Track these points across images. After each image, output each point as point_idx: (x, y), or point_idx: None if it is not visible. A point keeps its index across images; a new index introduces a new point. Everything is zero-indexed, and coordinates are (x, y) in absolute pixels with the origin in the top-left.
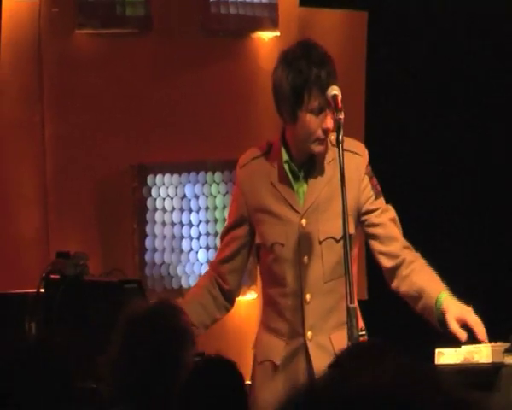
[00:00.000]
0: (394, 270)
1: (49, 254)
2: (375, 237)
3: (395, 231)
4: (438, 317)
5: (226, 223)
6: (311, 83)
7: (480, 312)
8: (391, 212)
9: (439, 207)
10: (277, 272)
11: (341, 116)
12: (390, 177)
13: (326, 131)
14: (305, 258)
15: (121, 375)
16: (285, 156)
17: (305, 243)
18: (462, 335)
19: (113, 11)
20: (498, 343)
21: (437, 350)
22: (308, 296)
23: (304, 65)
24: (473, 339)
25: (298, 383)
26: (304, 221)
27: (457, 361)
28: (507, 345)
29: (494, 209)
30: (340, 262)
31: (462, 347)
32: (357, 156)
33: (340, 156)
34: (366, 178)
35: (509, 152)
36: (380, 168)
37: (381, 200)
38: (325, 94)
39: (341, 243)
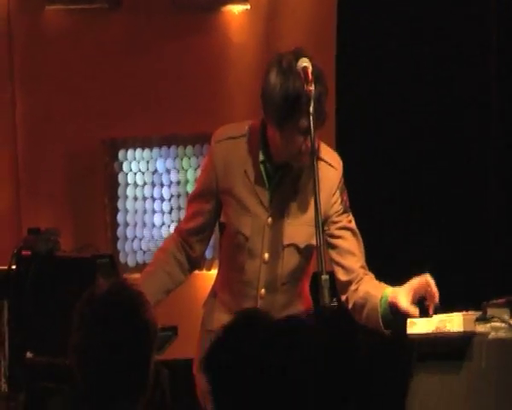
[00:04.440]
0: (347, 285)
1: (20, 230)
2: (334, 247)
3: (355, 246)
4: (383, 312)
5: (194, 188)
6: (303, 102)
7: (451, 280)
8: (354, 228)
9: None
10: (238, 259)
11: (311, 88)
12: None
13: (305, 152)
14: (267, 255)
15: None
16: (261, 157)
17: (268, 242)
18: (414, 311)
19: None
20: (470, 312)
21: (409, 320)
22: (263, 291)
23: (299, 81)
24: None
25: None
26: (270, 220)
27: (429, 330)
28: (478, 314)
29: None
30: (300, 268)
31: (434, 316)
32: (332, 169)
33: (311, 131)
34: (337, 193)
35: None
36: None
37: (348, 215)
38: (312, 115)
39: (304, 252)
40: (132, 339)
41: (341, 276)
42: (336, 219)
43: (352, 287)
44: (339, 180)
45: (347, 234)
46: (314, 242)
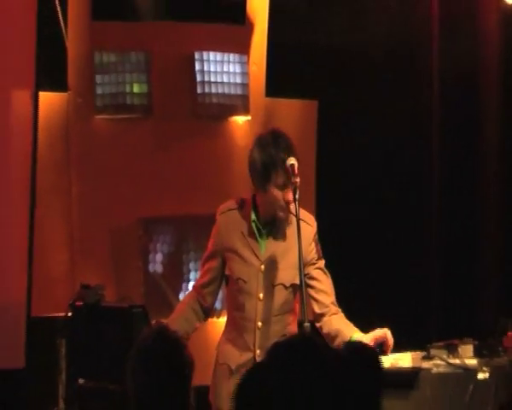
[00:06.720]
0: (321, 316)
1: (74, 286)
2: (312, 287)
3: (328, 287)
4: None
5: (206, 252)
6: (278, 165)
7: (402, 324)
8: (326, 272)
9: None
10: (239, 300)
11: (297, 180)
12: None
13: (287, 202)
14: (261, 295)
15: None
16: (253, 216)
17: (262, 284)
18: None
19: (124, 101)
20: (417, 352)
21: None
22: (260, 324)
23: (273, 151)
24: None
25: None
26: (263, 267)
27: (385, 366)
28: (424, 353)
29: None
30: (287, 302)
31: (390, 355)
32: (308, 227)
33: (297, 212)
34: (313, 244)
35: None
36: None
37: (322, 261)
38: (288, 173)
39: (290, 289)
40: (175, 379)
41: (316, 309)
42: (312, 263)
43: (325, 318)
44: (314, 234)
45: (321, 276)
46: (296, 281)
